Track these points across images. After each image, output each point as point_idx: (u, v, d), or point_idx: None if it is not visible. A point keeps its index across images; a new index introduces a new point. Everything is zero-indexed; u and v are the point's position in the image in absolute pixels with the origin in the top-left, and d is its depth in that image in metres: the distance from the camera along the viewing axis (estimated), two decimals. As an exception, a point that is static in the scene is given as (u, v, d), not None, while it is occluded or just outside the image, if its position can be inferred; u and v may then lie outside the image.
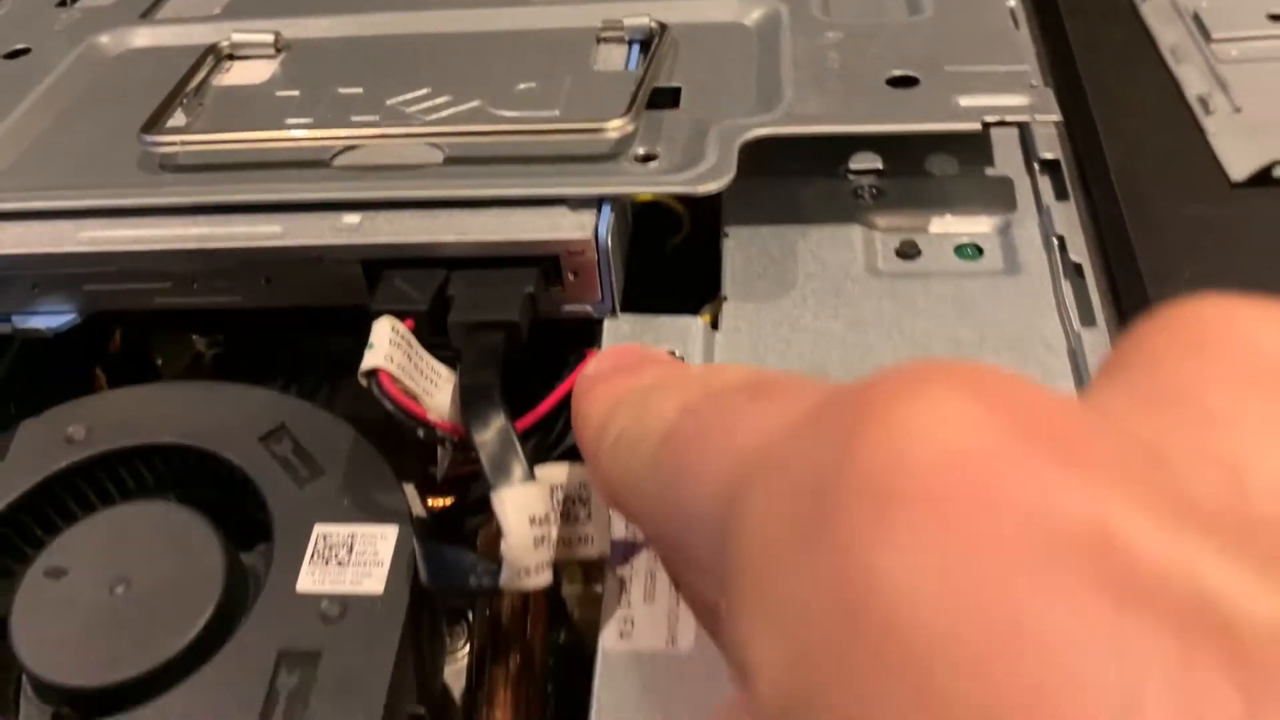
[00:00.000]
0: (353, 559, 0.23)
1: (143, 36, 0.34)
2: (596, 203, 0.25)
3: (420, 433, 0.22)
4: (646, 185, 0.25)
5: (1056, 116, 0.27)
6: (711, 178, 0.25)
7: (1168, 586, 0.09)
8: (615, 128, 0.26)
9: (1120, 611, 0.09)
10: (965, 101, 0.27)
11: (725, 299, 0.27)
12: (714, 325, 0.26)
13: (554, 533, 0.20)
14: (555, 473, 0.20)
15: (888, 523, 0.10)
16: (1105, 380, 0.12)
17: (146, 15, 0.35)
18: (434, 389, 0.23)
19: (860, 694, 0.10)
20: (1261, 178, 0.39)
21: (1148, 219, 0.40)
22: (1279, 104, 0.42)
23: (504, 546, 0.19)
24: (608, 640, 0.20)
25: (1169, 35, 0.46)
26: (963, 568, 0.10)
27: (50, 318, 0.27)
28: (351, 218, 0.26)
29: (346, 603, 0.22)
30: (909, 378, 0.11)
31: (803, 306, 0.26)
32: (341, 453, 0.24)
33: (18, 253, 0.26)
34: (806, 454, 0.11)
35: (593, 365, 0.18)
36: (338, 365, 0.28)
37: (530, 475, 0.20)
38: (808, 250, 0.28)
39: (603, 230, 0.25)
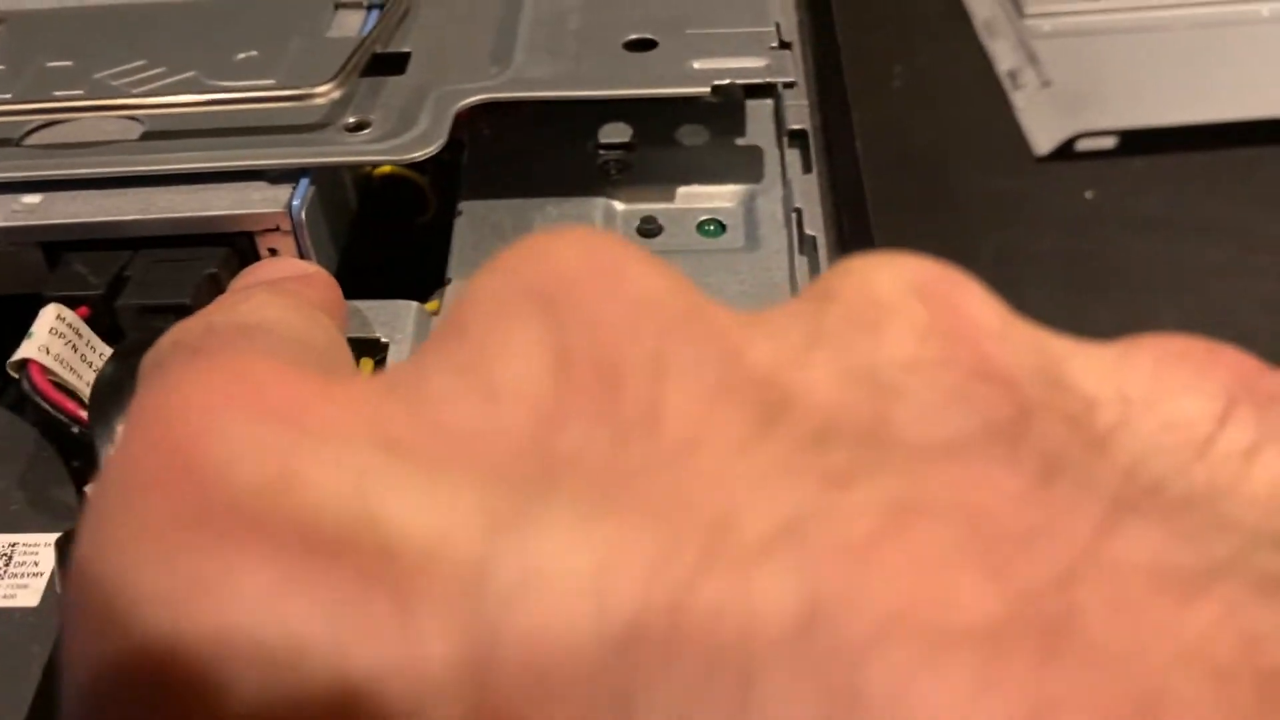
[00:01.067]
0: (9, 570, 0.21)
1: None
2: (296, 176, 0.24)
3: (75, 430, 0.20)
4: (345, 155, 0.24)
5: (790, 78, 0.26)
6: (418, 146, 0.24)
7: (339, 520, 0.09)
8: (322, 94, 0.24)
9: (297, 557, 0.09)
10: (699, 65, 0.26)
11: (450, 280, 0.25)
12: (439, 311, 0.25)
13: None
14: None
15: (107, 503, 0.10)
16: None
17: None
18: (102, 381, 0.21)
19: None
20: (1064, 151, 0.38)
21: (947, 192, 0.39)
22: (1087, 77, 0.42)
23: None
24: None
25: (983, 10, 0.46)
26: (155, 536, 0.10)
27: None
28: (32, 198, 0.24)
29: None
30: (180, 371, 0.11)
31: None
32: (15, 454, 0.22)
33: None
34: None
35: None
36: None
37: None
38: (544, 224, 0.27)
39: (297, 204, 0.23)
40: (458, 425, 0.10)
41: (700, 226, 0.27)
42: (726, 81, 0.25)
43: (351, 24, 0.29)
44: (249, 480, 0.10)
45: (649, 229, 0.27)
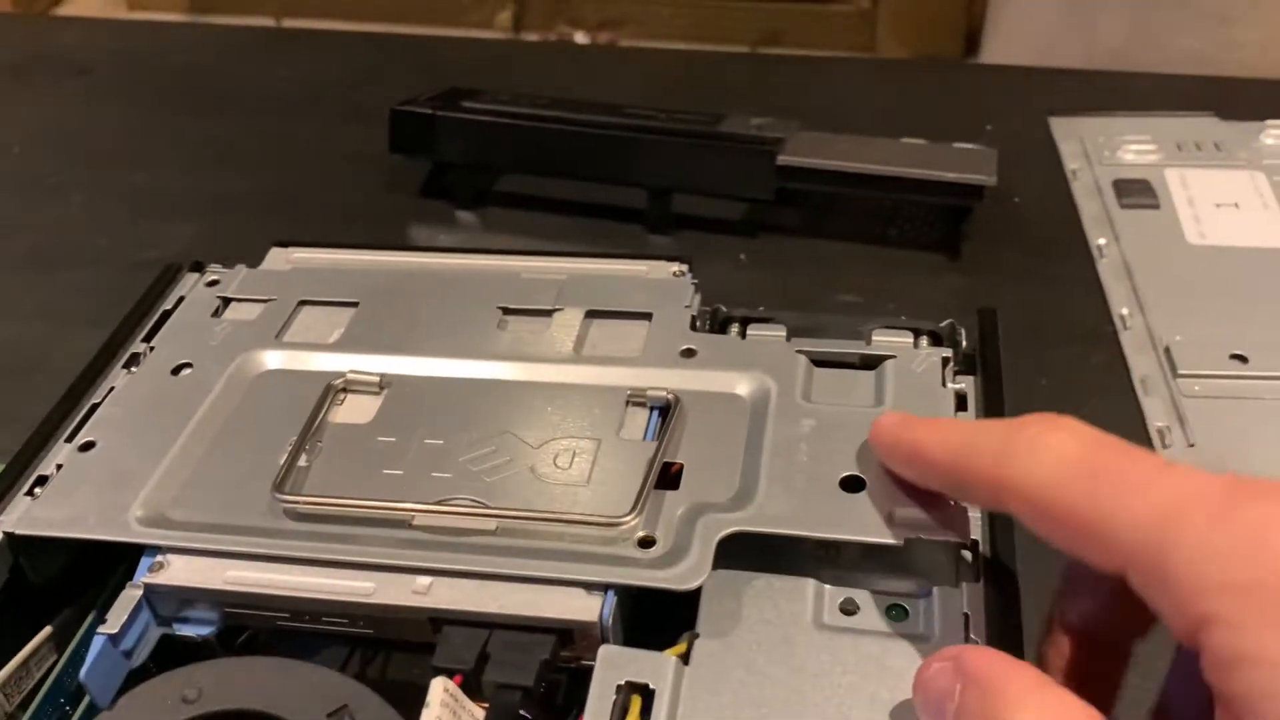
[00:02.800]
0: None
1: (276, 359, 0.44)
2: (604, 587, 0.34)
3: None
4: (640, 579, 0.34)
5: (959, 538, 0.35)
6: (692, 576, 0.34)
7: None
8: (626, 523, 0.35)
9: None
10: (898, 513, 0.35)
11: (698, 635, 0.35)
12: (684, 658, 0.34)
13: None
14: None
15: None
16: None
17: (279, 335, 0.45)
18: (473, 735, 0.32)
19: None
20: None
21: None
22: (1230, 442, 0.48)
23: None
24: None
25: (1141, 366, 0.52)
26: None
27: (198, 626, 0.36)
28: (423, 580, 0.35)
29: None
30: None
31: (757, 650, 0.34)
32: None
33: (179, 584, 0.35)
34: None
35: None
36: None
37: None
38: (769, 600, 0.36)
39: (606, 614, 0.33)
40: None
41: (888, 611, 0.36)
42: (915, 536, 0.34)
43: (638, 422, 0.40)
44: None
45: (848, 609, 0.36)
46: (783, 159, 0.60)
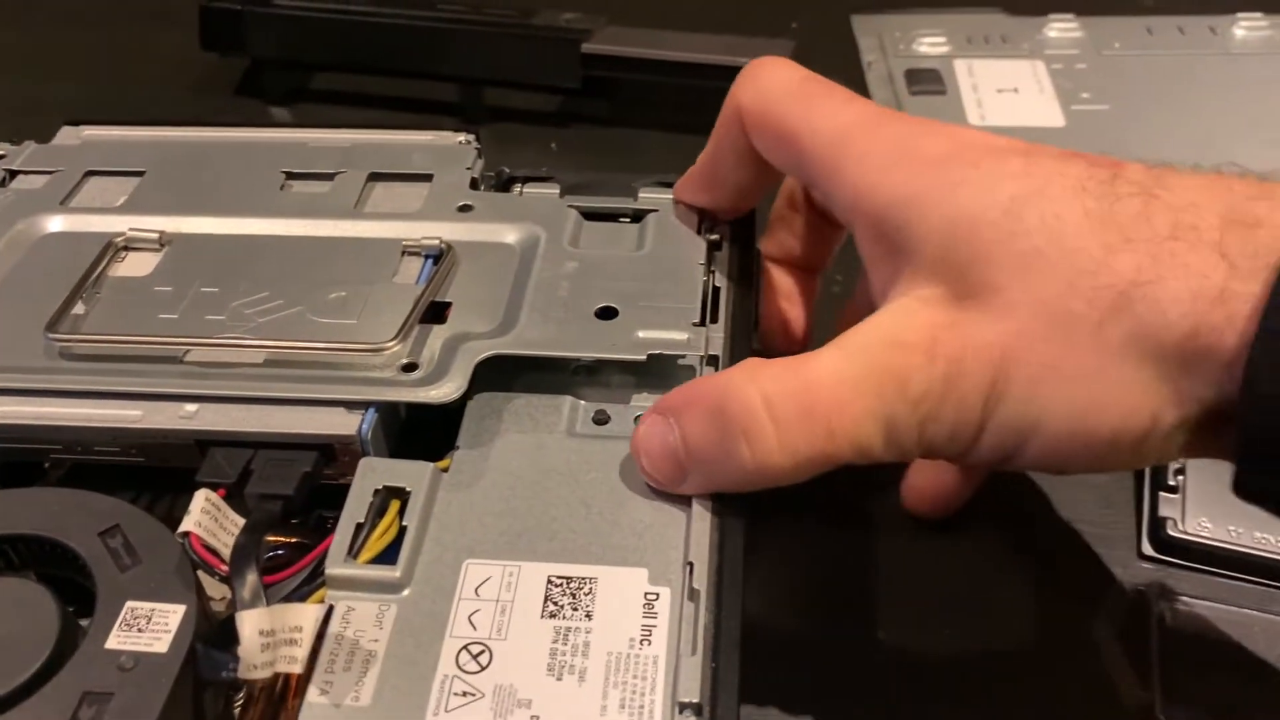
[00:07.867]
0: (150, 627, 0.31)
1: (58, 223, 0.44)
2: (366, 405, 0.36)
3: (216, 578, 0.32)
4: (399, 395, 0.36)
5: (700, 352, 0.37)
6: (450, 393, 0.36)
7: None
8: (388, 348, 0.37)
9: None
10: (643, 334, 0.37)
11: (458, 447, 0.36)
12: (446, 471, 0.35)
13: (275, 646, 0.30)
14: (289, 610, 0.31)
15: None
16: None
17: (64, 202, 0.45)
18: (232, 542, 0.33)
19: None
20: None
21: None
22: None
23: (240, 649, 0.30)
24: (311, 697, 0.30)
25: None
26: None
27: (-30, 461, 0.37)
28: (190, 407, 0.36)
29: (139, 658, 0.30)
30: None
31: (511, 456, 0.35)
32: (158, 549, 0.33)
33: (-53, 420, 0.36)
34: None
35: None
36: (182, 483, 0.36)
37: (264, 604, 0.30)
38: (528, 415, 0.38)
39: (365, 429, 0.35)
40: None
41: (637, 419, 0.37)
42: (658, 352, 0.37)
43: (412, 270, 0.42)
44: None
45: (600, 419, 0.37)
46: (587, 47, 0.62)
